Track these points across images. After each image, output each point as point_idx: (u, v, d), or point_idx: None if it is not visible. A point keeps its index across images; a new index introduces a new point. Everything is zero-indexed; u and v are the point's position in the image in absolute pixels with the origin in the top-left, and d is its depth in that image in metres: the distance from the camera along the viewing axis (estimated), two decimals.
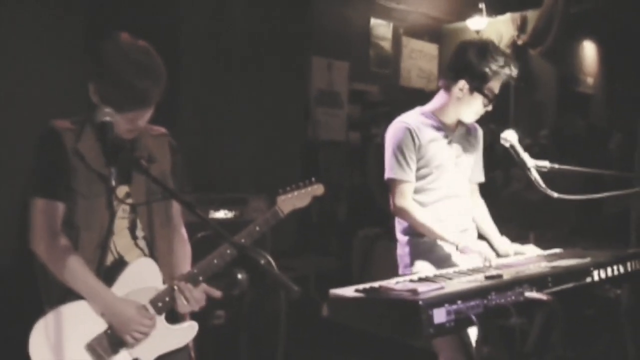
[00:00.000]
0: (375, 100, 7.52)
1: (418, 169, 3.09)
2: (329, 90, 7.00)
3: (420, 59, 8.15)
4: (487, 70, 3.00)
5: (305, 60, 6.70)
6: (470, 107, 3.08)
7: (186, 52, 5.10)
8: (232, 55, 5.84)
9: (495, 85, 3.04)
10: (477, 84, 3.02)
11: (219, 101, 5.70)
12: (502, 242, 3.16)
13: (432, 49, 8.24)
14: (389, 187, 3.12)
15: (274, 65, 6.15)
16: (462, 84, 3.04)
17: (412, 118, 3.14)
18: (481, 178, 3.33)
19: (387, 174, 3.10)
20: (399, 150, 3.06)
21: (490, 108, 3.09)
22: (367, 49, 7.62)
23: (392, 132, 3.12)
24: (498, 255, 3.07)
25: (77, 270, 2.25)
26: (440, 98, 3.17)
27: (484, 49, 3.09)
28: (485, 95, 3.03)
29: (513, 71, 3.06)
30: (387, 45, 7.82)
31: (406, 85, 8.01)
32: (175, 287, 2.34)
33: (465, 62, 3.05)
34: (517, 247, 3.14)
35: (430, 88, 7.84)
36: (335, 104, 7.10)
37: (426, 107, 3.19)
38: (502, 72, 3.02)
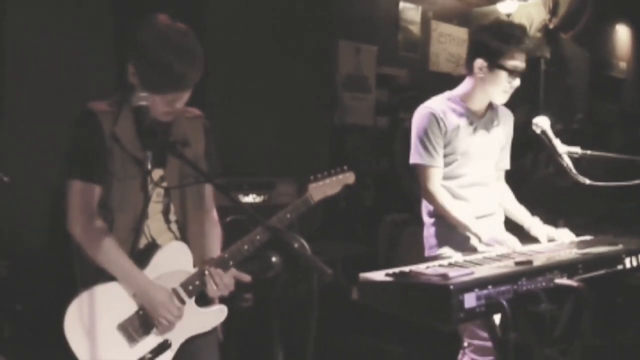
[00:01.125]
0: (404, 85, 7.49)
1: (445, 156, 3.10)
2: (356, 74, 6.99)
3: (449, 43, 8.09)
4: (501, 43, 3.02)
5: (333, 44, 6.70)
6: (496, 85, 3.07)
7: (213, 36, 5.13)
8: (259, 40, 5.85)
9: (516, 59, 3.02)
10: (495, 60, 3.03)
11: (247, 85, 5.73)
12: (535, 223, 3.16)
13: (461, 32, 8.18)
14: (416, 172, 3.13)
15: (302, 49, 6.16)
16: (480, 62, 3.06)
17: (439, 103, 3.15)
18: (507, 165, 3.33)
19: (413, 159, 3.11)
20: (425, 135, 3.07)
21: (517, 83, 3.06)
22: (395, 32, 7.58)
23: (417, 118, 3.13)
24: (530, 236, 3.08)
25: (111, 252, 2.29)
26: (466, 84, 3.18)
27: (497, 25, 3.15)
28: (506, 69, 3.02)
29: (531, 41, 3.07)
30: (415, 29, 7.78)
31: (435, 70, 7.97)
32: (206, 272, 2.38)
33: (479, 42, 3.08)
34: (549, 229, 3.14)
35: (458, 72, 7.78)
36: (363, 88, 7.09)
37: (454, 92, 3.19)
38: (518, 44, 3.02)
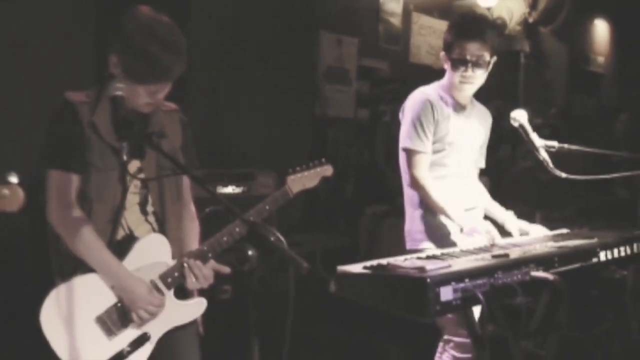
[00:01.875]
0: (385, 77, 7.50)
1: (433, 143, 3.11)
2: (338, 66, 6.99)
3: (430, 35, 8.11)
4: (452, 36, 3.13)
5: (314, 36, 6.69)
6: (453, 76, 3.12)
7: (195, 28, 5.11)
8: (240, 31, 5.83)
9: (465, 49, 3.06)
10: (448, 52, 3.14)
11: (227, 77, 5.71)
12: (508, 217, 3.18)
13: (442, 25, 8.18)
14: (405, 156, 3.13)
15: (283, 41, 6.14)
16: (442, 54, 3.15)
17: (433, 91, 3.17)
18: (483, 164, 3.36)
19: (404, 144, 3.11)
20: (419, 120, 3.08)
21: (469, 73, 3.08)
22: (376, 25, 7.58)
23: (413, 103, 3.14)
24: (504, 230, 3.10)
25: (90, 242, 2.28)
26: (445, 75, 3.21)
27: (456, 19, 3.35)
28: (453, 60, 3.08)
29: (491, 33, 3.16)
30: (396, 21, 7.79)
31: (415, 62, 7.98)
32: (185, 265, 2.38)
33: (444, 35, 3.18)
34: (523, 224, 3.17)
35: (439, 65, 7.81)
36: (344, 80, 7.09)
37: (442, 82, 3.22)
38: (466, 36, 3.08)
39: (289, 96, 6.22)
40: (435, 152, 3.11)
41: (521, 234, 3.10)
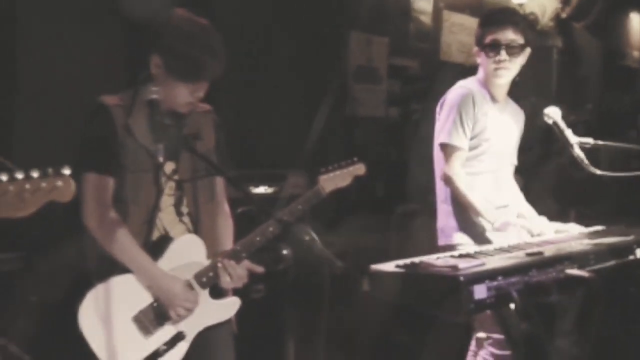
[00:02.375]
0: (415, 75, 7.48)
1: (470, 139, 3.09)
2: (368, 65, 6.99)
3: (461, 33, 8.06)
4: (482, 26, 3.16)
5: (344, 36, 6.69)
6: (486, 65, 3.12)
7: (223, 27, 5.14)
8: (270, 31, 5.86)
9: (496, 34, 3.06)
10: (479, 42, 3.12)
11: (257, 77, 5.74)
12: (540, 222, 3.16)
13: (473, 22, 8.11)
14: (441, 152, 3.12)
15: (312, 40, 6.15)
16: (475, 49, 3.17)
17: (473, 85, 3.17)
18: (515, 161, 3.34)
19: (444, 139, 3.09)
20: (459, 115, 3.06)
21: (503, 57, 3.06)
22: (407, 23, 7.56)
23: (455, 96, 3.13)
24: (535, 235, 3.08)
25: (125, 244, 2.33)
26: (479, 70, 3.21)
27: (486, 13, 3.52)
28: (485, 46, 3.09)
29: (521, 20, 3.18)
30: (427, 19, 7.75)
31: (446, 60, 7.94)
32: (219, 265, 2.41)
33: (476, 31, 3.20)
34: (557, 225, 3.14)
35: (470, 62, 7.77)
36: (374, 79, 7.09)
37: (478, 77, 3.21)
38: (495, 22, 3.09)
39: (319, 96, 6.24)
40: (471, 148, 3.09)
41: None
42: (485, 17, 3.24)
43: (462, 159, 3.08)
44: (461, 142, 3.05)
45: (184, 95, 2.35)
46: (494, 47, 3.05)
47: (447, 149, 3.07)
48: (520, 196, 3.32)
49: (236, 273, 2.42)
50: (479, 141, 3.09)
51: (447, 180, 3.09)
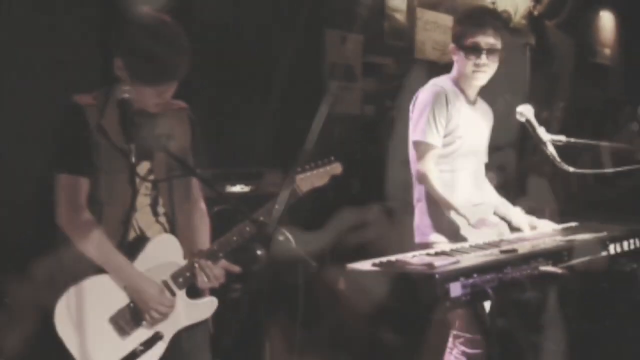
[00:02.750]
0: (390, 73, 7.50)
1: (443, 136, 3.11)
2: (343, 63, 6.99)
3: (435, 30, 8.10)
4: (462, 26, 3.18)
5: (319, 34, 6.69)
6: (465, 66, 3.13)
7: (199, 24, 5.11)
8: (243, 29, 5.84)
9: (476, 37, 3.09)
10: (458, 42, 3.15)
11: (233, 75, 5.72)
12: (516, 213, 3.19)
13: (447, 20, 8.18)
14: (415, 149, 3.14)
15: (287, 39, 6.14)
16: (451, 47, 3.17)
17: (445, 82, 3.19)
18: (486, 159, 3.37)
19: (417, 136, 3.11)
20: (432, 113, 3.08)
21: (483, 60, 3.09)
22: (381, 21, 7.58)
23: (428, 94, 3.14)
24: (513, 225, 3.12)
25: (100, 244, 2.31)
26: (454, 68, 3.23)
27: (464, 11, 3.59)
28: (465, 48, 3.10)
29: (499, 20, 3.21)
30: (401, 17, 7.77)
31: (421, 58, 7.98)
32: (196, 265, 2.40)
33: (452, 28, 3.27)
34: (532, 219, 3.17)
35: (444, 60, 7.80)
36: (349, 77, 7.10)
37: (452, 74, 3.24)
38: (476, 24, 3.10)
39: (295, 94, 6.23)
40: (445, 145, 3.12)
41: (530, 229, 3.11)
42: (465, 16, 3.25)
43: (436, 157, 3.10)
44: (434, 139, 3.07)
45: (150, 97, 2.32)
46: (474, 50, 3.07)
47: (421, 147, 3.09)
48: (494, 192, 3.35)
49: (213, 273, 2.42)
50: (453, 138, 3.12)
51: (421, 178, 3.11)
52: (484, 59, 3.07)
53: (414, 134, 3.13)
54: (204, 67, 5.37)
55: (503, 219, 3.10)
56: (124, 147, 2.31)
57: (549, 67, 9.08)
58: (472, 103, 3.22)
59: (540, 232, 3.04)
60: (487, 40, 3.06)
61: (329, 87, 6.01)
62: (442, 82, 3.19)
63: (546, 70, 8.96)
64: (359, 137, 6.97)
